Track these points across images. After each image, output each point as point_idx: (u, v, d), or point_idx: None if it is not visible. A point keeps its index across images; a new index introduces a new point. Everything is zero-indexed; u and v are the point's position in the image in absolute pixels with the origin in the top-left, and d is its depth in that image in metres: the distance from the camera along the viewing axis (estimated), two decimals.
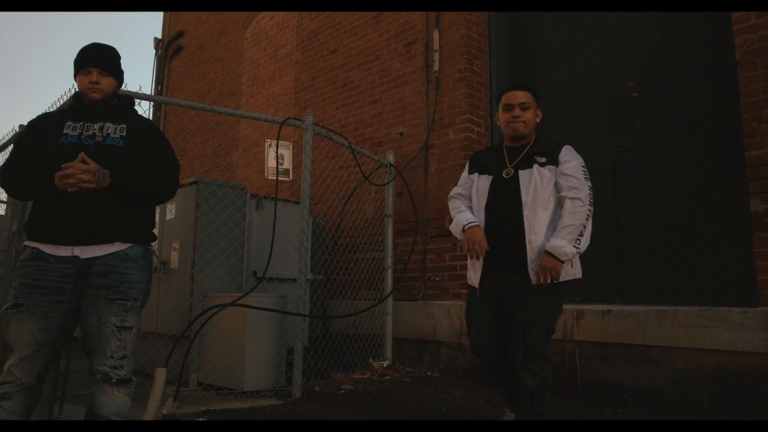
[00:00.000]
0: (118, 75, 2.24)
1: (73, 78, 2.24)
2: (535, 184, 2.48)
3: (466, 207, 2.68)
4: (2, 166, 2.25)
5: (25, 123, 4.11)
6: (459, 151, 4.68)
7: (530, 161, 2.55)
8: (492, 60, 5.02)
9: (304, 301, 3.84)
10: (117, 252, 2.08)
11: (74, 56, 2.22)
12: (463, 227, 2.57)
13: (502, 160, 2.65)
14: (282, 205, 4.58)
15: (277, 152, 3.72)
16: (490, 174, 2.64)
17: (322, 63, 6.21)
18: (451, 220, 2.74)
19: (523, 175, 2.52)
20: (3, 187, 2.32)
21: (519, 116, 2.60)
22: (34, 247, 2.05)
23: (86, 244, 2.04)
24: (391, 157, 4.96)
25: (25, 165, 2.12)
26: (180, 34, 8.98)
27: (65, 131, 2.12)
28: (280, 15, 6.97)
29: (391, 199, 4.91)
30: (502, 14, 5.12)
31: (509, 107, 2.64)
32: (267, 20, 7.19)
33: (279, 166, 3.73)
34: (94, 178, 2.00)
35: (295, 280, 4.15)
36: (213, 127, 7.51)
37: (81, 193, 2.01)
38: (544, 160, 2.52)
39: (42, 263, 2.02)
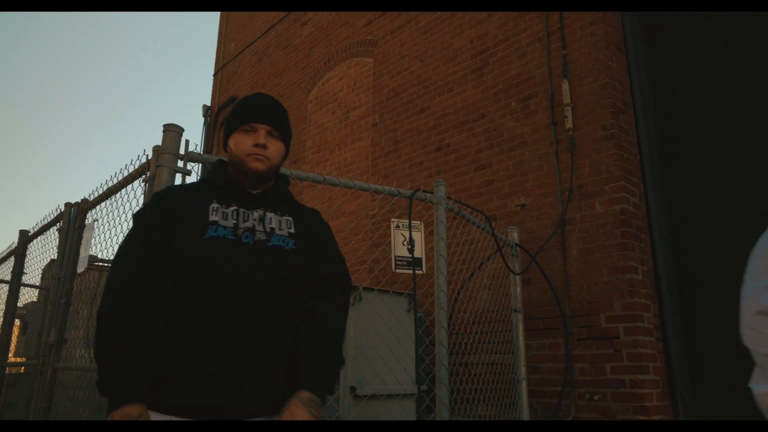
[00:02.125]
0: (288, 141, 1.54)
1: (223, 142, 1.58)
2: None
3: None
4: (113, 272, 1.29)
5: (79, 200, 3.20)
6: (613, 228, 3.64)
7: None
8: (637, 114, 4.08)
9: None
10: None
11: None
12: None
13: None
14: (377, 296, 3.57)
15: (410, 234, 2.73)
16: None
17: (407, 125, 5.36)
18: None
19: None
20: (106, 313, 1.24)
21: None
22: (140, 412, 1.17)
23: (251, 416, 1.24)
24: (515, 235, 3.94)
25: (151, 269, 1.27)
26: (231, 100, 8.35)
27: (212, 218, 1.35)
28: (351, 74, 6.24)
29: (519, 289, 3.85)
30: (642, 57, 4.23)
31: None
32: (335, 81, 6.46)
33: (409, 253, 2.74)
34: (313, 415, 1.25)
35: (400, 395, 3.06)
36: None
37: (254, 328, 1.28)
38: None
39: None
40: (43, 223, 3.73)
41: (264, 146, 1.41)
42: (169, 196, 1.37)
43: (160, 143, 2.62)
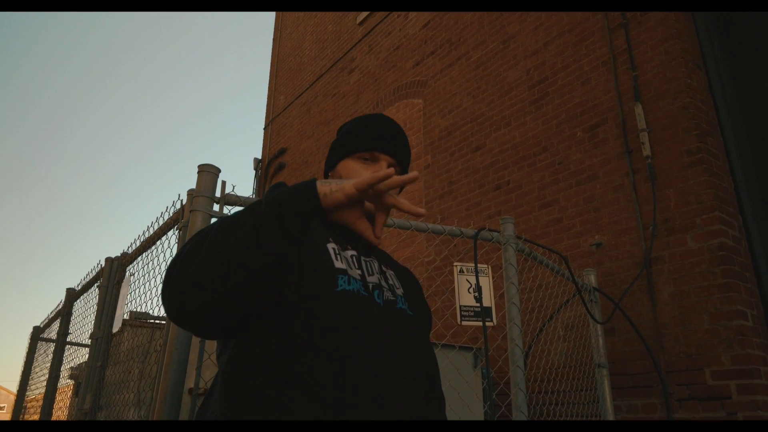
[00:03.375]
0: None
1: (326, 169, 1.27)
2: None
3: None
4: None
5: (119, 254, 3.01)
6: (712, 266, 3.13)
7: None
8: (726, 135, 3.60)
9: None
10: None
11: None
12: None
13: None
14: (441, 353, 3.15)
15: (476, 280, 2.35)
16: None
17: (462, 164, 5.04)
18: None
19: None
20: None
21: None
22: None
23: None
24: (592, 278, 3.47)
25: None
26: (282, 152, 8.34)
27: (338, 264, 1.00)
28: (400, 117, 6.04)
29: (601, 340, 3.34)
30: (725, 73, 3.78)
31: None
32: None
33: (476, 302, 2.35)
34: None
35: None
36: None
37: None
38: None
39: None
40: (86, 280, 3.59)
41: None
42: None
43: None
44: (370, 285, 1.02)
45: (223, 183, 2.39)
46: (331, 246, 1.03)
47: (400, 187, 1.08)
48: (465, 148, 5.05)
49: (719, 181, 3.35)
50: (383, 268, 1.11)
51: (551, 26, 4.51)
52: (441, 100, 5.51)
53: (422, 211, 0.91)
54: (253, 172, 8.90)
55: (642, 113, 3.66)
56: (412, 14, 6.30)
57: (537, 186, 4.27)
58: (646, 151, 3.57)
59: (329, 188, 0.83)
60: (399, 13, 6.53)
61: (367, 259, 1.08)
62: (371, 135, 1.16)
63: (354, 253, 1.07)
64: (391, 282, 1.09)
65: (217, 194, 2.34)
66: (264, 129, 9.23)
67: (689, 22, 3.85)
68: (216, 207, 2.35)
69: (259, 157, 8.97)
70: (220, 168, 2.31)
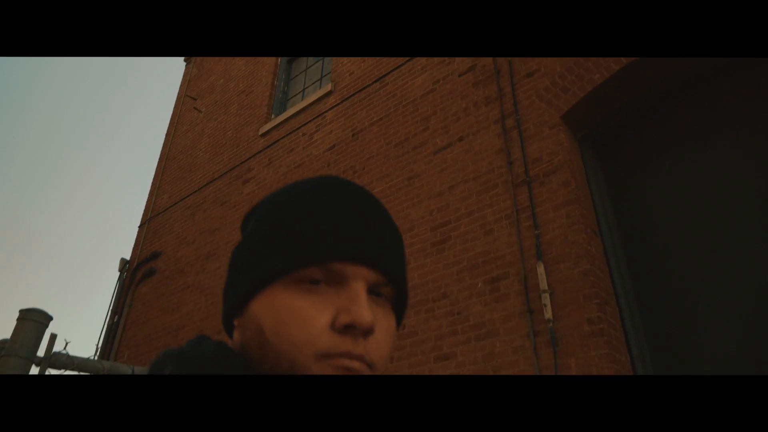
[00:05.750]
0: (403, 305, 0.63)
1: (228, 308, 0.61)
2: None
3: None
4: None
5: None
6: None
7: None
8: (621, 306, 3.61)
9: None
10: None
11: None
12: None
13: None
14: None
15: None
16: None
17: None
18: None
19: None
20: None
21: None
22: None
23: None
24: None
25: None
26: (155, 255, 7.48)
27: None
28: None
29: None
30: (618, 242, 3.90)
31: None
32: None
33: None
34: None
35: None
36: None
37: None
38: None
39: None
40: None
41: (368, 332, 0.53)
42: None
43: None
44: None
45: (53, 337, 1.79)
46: None
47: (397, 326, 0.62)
48: None
49: (618, 354, 3.27)
50: None
51: (456, 171, 4.53)
52: None
53: None
54: (117, 273, 7.87)
55: (544, 273, 3.60)
56: (318, 135, 6.19)
57: (434, 335, 3.98)
58: (548, 313, 3.45)
59: None
60: (304, 131, 6.40)
61: None
62: (329, 229, 0.55)
63: None
64: None
65: (40, 352, 1.73)
66: (139, 227, 8.35)
67: (586, 189, 4.01)
68: (35, 369, 1.74)
69: (128, 257, 7.99)
70: (52, 316, 1.72)
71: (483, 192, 4.27)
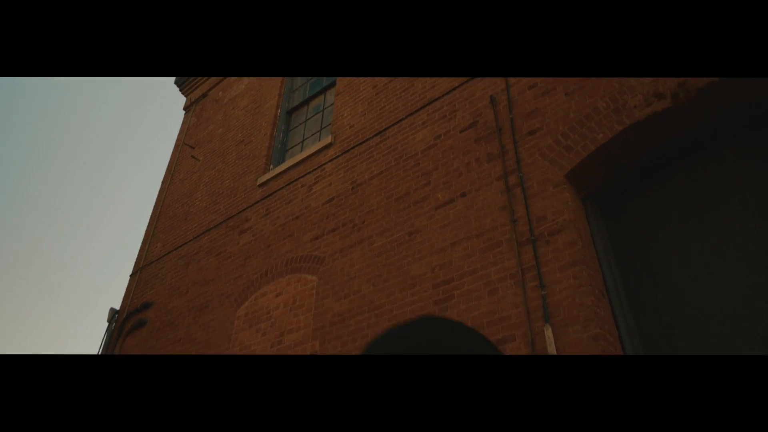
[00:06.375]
0: None
1: None
2: None
3: None
4: None
5: None
6: None
7: None
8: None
9: None
10: None
11: None
12: None
13: None
14: None
15: None
16: None
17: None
18: None
19: None
20: None
21: None
22: None
23: None
24: None
25: None
26: (146, 306, 7.28)
27: None
28: (290, 291, 5.51)
29: None
30: (626, 305, 3.80)
31: None
32: (271, 296, 5.68)
33: None
34: None
35: None
36: None
37: None
38: None
39: None
40: None
41: None
42: None
43: None
44: None
45: None
46: None
47: None
48: (359, 340, 4.57)
49: None
50: None
51: (459, 228, 4.46)
52: (338, 282, 5.12)
53: None
54: (107, 324, 7.64)
55: (552, 337, 3.48)
56: (317, 187, 6.15)
57: None
58: None
59: None
60: (303, 183, 6.36)
61: None
62: None
63: None
64: None
65: None
66: (130, 276, 8.18)
67: (592, 249, 3.94)
68: None
69: (118, 307, 7.78)
70: None
71: (486, 249, 4.19)
